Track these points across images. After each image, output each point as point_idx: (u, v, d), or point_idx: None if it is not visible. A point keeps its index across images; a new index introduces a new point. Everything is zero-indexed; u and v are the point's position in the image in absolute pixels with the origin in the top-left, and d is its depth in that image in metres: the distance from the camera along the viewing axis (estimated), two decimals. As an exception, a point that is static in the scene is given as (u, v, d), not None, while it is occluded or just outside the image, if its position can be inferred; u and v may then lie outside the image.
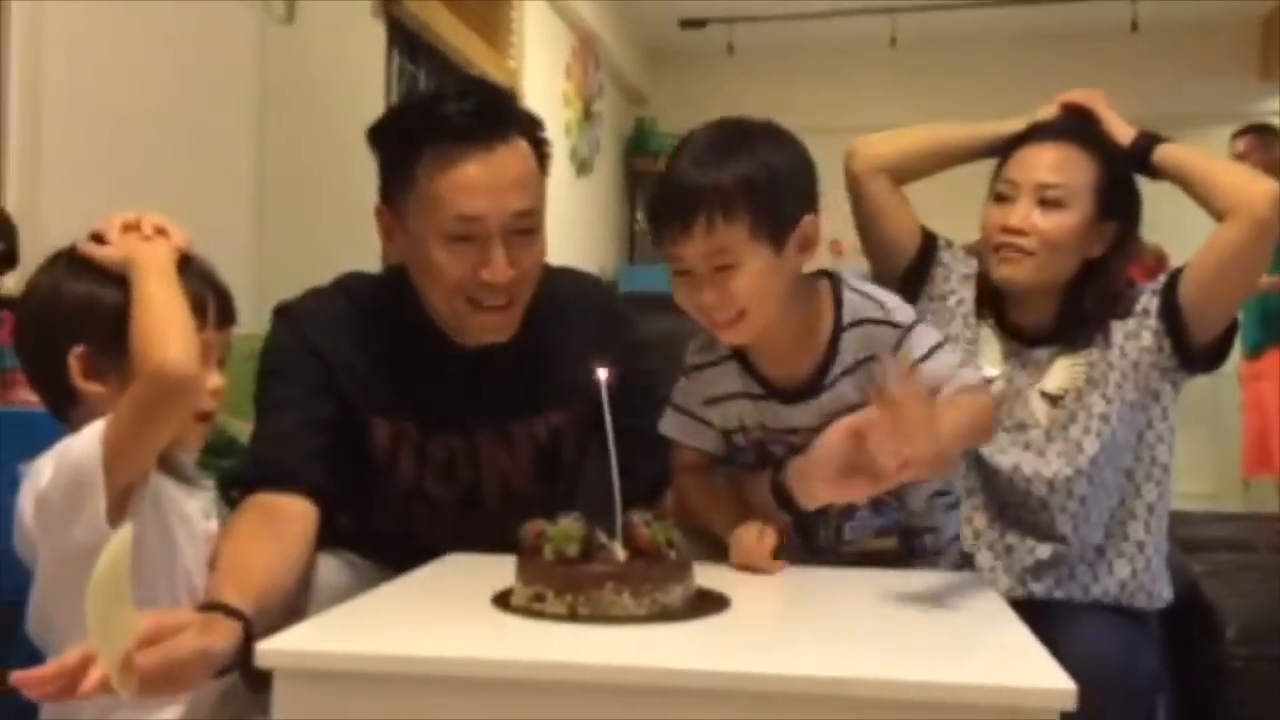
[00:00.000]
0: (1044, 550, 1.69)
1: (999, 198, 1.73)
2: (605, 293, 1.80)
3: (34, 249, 2.14)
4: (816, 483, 1.40)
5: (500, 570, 1.21)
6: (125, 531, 1.00)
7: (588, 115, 6.06)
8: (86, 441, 1.16)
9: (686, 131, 1.42)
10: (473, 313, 1.50)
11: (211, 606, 1.16)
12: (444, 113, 1.46)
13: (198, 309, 1.26)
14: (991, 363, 1.73)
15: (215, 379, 1.30)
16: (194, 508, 1.30)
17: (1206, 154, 1.73)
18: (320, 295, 1.62)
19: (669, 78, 7.06)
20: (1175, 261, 5.37)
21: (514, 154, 1.47)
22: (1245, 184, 1.67)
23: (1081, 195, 1.69)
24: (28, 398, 1.97)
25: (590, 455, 1.63)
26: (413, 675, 1.02)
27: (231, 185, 2.95)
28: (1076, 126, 1.75)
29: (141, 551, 1.19)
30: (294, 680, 1.02)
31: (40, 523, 1.18)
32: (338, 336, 1.56)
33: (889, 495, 1.46)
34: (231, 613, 1.16)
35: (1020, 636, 1.12)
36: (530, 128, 1.52)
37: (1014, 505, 1.71)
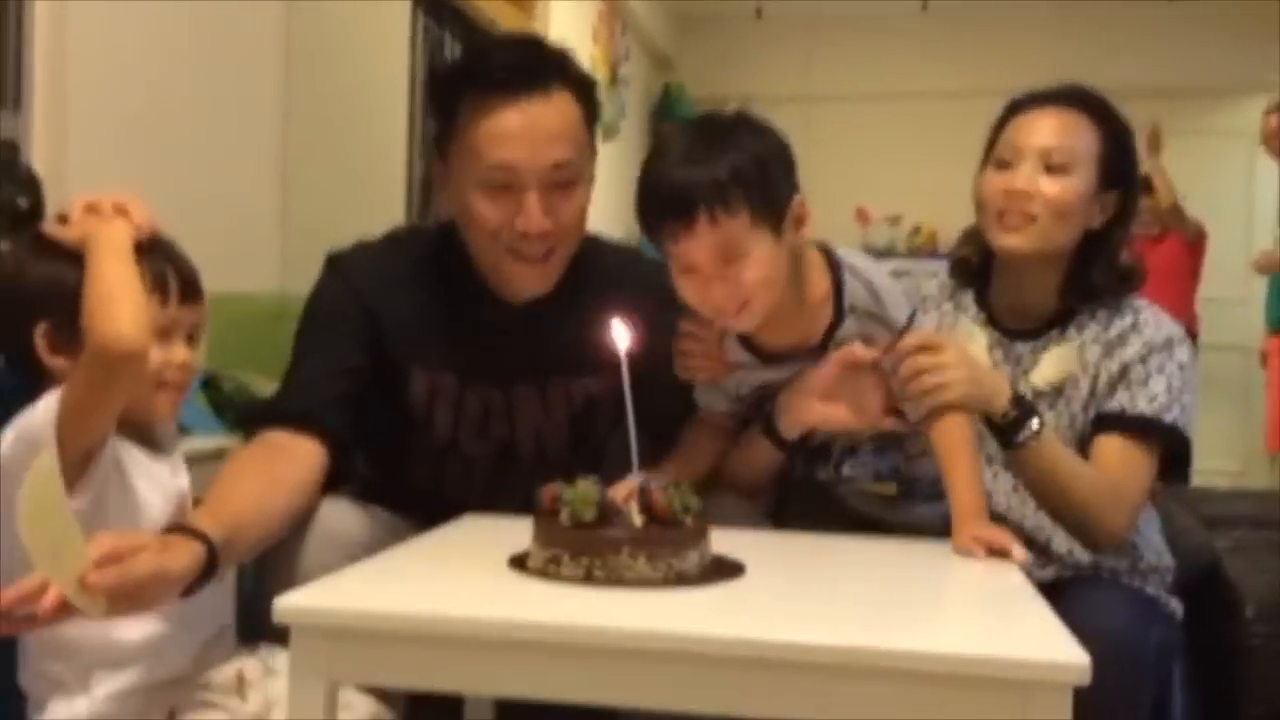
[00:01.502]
0: (1046, 574, 1.62)
1: (1000, 164, 1.68)
2: (659, 274, 1.78)
3: (60, 206, 2.16)
4: (801, 402, 1.51)
5: (518, 532, 1.22)
6: (43, 459, 1.03)
7: (614, 80, 6.03)
8: (41, 410, 1.20)
9: (668, 126, 1.48)
10: (512, 262, 1.52)
11: (175, 529, 1.21)
12: (488, 64, 1.51)
13: (159, 286, 1.30)
14: (978, 355, 1.66)
15: (181, 353, 1.33)
16: (162, 469, 1.33)
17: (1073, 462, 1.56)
18: (369, 246, 1.64)
19: (696, 43, 7.01)
20: (1214, 237, 5.29)
21: (554, 106, 1.49)
22: (1099, 517, 1.56)
23: (1085, 161, 1.64)
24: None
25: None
26: (428, 634, 1.03)
27: (256, 151, 2.95)
28: (1078, 92, 1.70)
29: (104, 514, 1.23)
30: (310, 636, 1.04)
31: (3, 490, 1.20)
32: (384, 286, 1.58)
33: (891, 439, 1.54)
34: (195, 534, 1.19)
35: (1036, 609, 1.12)
36: (577, 83, 1.53)
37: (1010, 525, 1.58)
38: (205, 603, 1.27)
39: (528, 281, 1.55)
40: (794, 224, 1.42)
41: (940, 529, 1.46)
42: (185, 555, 1.17)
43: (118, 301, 1.21)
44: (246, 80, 2.90)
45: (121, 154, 2.41)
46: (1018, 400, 1.50)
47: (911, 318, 1.49)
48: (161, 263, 1.32)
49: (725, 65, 6.76)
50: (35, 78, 2.23)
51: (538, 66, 1.50)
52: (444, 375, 1.59)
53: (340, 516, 1.44)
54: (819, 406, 1.52)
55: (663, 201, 1.38)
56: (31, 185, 2.11)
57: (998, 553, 1.32)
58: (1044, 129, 1.66)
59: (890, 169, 6.66)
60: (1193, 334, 5.24)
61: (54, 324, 1.27)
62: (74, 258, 1.27)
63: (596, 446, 1.67)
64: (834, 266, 1.49)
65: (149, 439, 1.33)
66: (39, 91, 2.23)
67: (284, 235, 2.90)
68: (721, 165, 1.36)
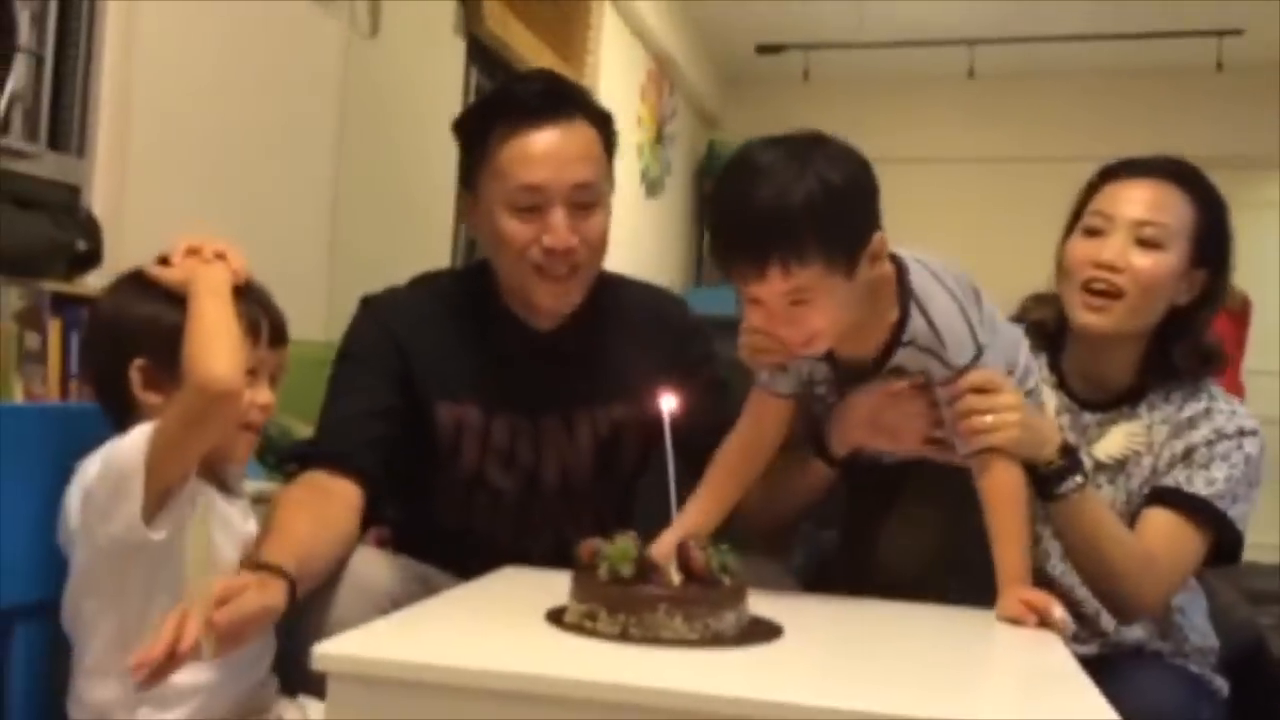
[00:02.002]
0: (1090, 648, 1.60)
1: (1089, 231, 1.63)
2: (681, 308, 1.83)
3: (118, 252, 2.21)
4: (847, 426, 1.53)
5: (556, 585, 1.22)
6: (203, 510, 1.16)
7: (660, 137, 6.09)
8: (132, 442, 1.23)
9: (748, 146, 1.37)
10: (538, 281, 1.59)
11: (260, 566, 1.27)
12: (514, 93, 1.63)
13: (252, 330, 1.34)
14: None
15: (265, 395, 1.38)
16: (234, 512, 1.36)
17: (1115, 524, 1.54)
18: (399, 289, 1.72)
19: (743, 102, 7.07)
20: (1257, 304, 5.21)
21: (576, 132, 1.59)
22: (1132, 587, 1.53)
23: (1178, 238, 1.58)
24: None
25: (651, 470, 1.66)
26: (463, 686, 1.03)
27: (310, 195, 3.00)
28: (1175, 165, 1.65)
29: (181, 550, 1.26)
30: (348, 684, 1.04)
31: (83, 516, 1.26)
32: (413, 324, 1.64)
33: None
34: (279, 572, 1.26)
35: (1080, 685, 1.10)
36: (596, 114, 1.64)
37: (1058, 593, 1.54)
38: (252, 650, 1.29)
39: (553, 299, 1.61)
40: (870, 260, 1.35)
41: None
42: (279, 593, 1.25)
43: (218, 341, 1.25)
44: (301, 133, 2.97)
45: (178, 201, 2.46)
46: (1066, 451, 1.47)
47: (974, 359, 1.42)
48: (255, 307, 1.36)
49: (772, 125, 6.73)
50: (100, 125, 2.29)
51: (560, 97, 1.60)
52: (470, 408, 1.62)
53: (371, 566, 1.46)
54: (863, 427, 1.52)
55: (735, 238, 1.33)
56: (91, 229, 2.16)
57: (1043, 619, 1.30)
58: (1138, 200, 1.61)
59: (935, 231, 6.57)
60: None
61: (149, 360, 1.31)
62: (172, 298, 1.32)
63: (622, 479, 1.69)
64: (904, 294, 1.42)
65: (222, 481, 1.36)
66: (102, 139, 2.29)
67: (331, 285, 2.95)
68: (798, 207, 1.27)
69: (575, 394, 1.66)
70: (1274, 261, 6.02)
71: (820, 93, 6.50)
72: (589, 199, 1.59)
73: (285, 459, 1.55)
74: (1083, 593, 1.61)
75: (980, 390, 1.40)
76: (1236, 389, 5.10)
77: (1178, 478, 1.58)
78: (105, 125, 2.30)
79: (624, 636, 1.12)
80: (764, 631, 1.19)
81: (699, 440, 1.47)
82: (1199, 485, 1.56)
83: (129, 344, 1.32)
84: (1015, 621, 1.32)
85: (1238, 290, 5.16)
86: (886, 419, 1.50)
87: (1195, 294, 1.63)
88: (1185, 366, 1.63)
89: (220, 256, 1.36)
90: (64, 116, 2.23)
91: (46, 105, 2.20)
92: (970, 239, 6.52)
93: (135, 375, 1.31)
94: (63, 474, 1.31)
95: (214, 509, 1.32)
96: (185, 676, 1.25)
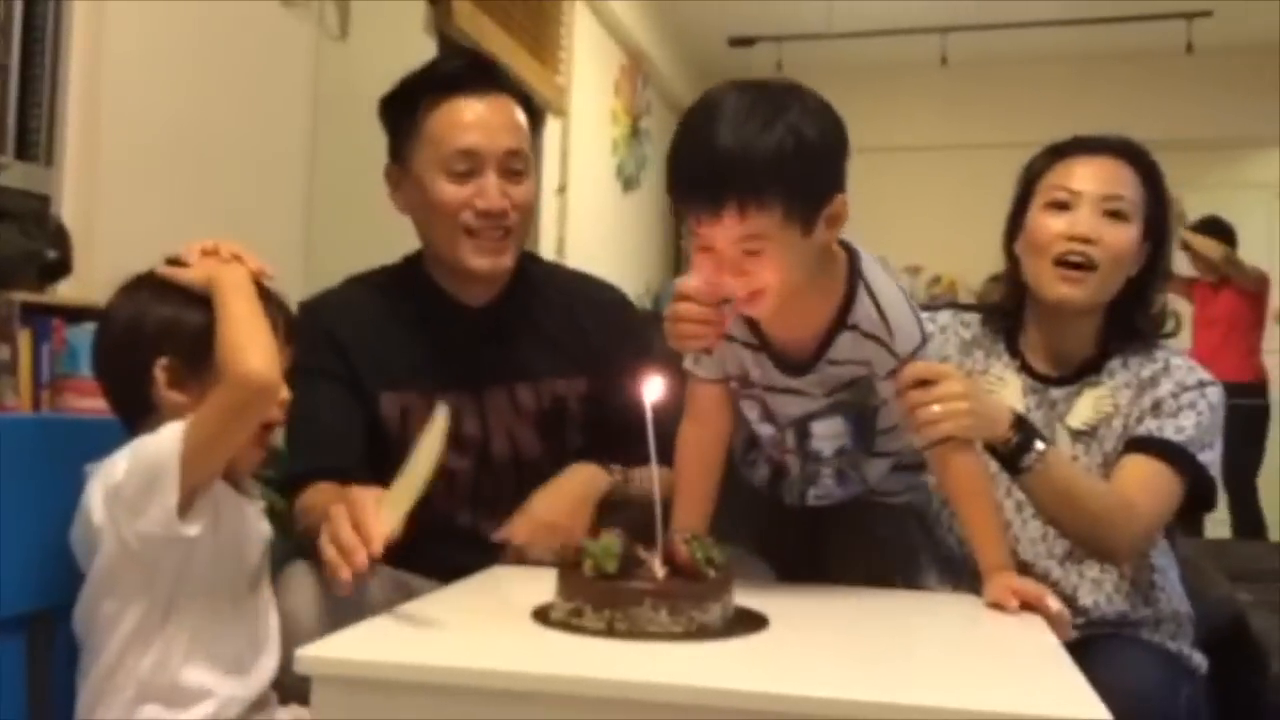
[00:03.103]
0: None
1: (1054, 205, 1.66)
2: (612, 290, 1.89)
3: (88, 261, 2.19)
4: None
5: (542, 583, 1.22)
6: (439, 420, 1.26)
7: (635, 132, 6.09)
8: (166, 439, 1.25)
9: (718, 87, 1.33)
10: (470, 244, 1.65)
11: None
12: (440, 69, 1.73)
13: (272, 328, 1.35)
14: (1012, 400, 1.65)
15: (284, 391, 1.39)
16: (252, 512, 1.39)
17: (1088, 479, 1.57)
18: (332, 289, 1.77)
19: (717, 95, 7.06)
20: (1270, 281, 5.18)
21: (503, 104, 1.68)
22: (1111, 532, 1.55)
23: (1135, 212, 1.65)
24: (77, 404, 2.02)
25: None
26: (451, 686, 1.02)
27: (282, 195, 2.99)
28: (1126, 145, 1.70)
29: (199, 550, 1.28)
30: (334, 687, 1.04)
31: (109, 514, 1.26)
32: (349, 320, 1.69)
33: (850, 468, 1.51)
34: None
35: (1058, 663, 1.11)
36: (517, 92, 1.72)
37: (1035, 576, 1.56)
38: (265, 662, 1.33)
39: (486, 261, 1.66)
40: (828, 222, 1.31)
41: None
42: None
43: (254, 339, 1.28)
44: (273, 137, 2.95)
45: (149, 209, 2.45)
46: (1019, 424, 1.46)
47: (918, 349, 1.42)
48: (272, 306, 1.38)
49: (745, 118, 6.79)
50: (68, 133, 2.27)
51: (483, 72, 1.70)
52: (412, 394, 1.65)
53: (295, 596, 1.44)
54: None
55: (693, 179, 1.28)
56: (61, 238, 2.14)
57: (1030, 606, 1.31)
58: (1099, 176, 1.65)
59: (910, 220, 6.68)
60: (1261, 384, 5.15)
61: (174, 360, 1.33)
62: (189, 298, 1.34)
63: (567, 455, 1.70)
64: (852, 276, 1.41)
65: (236, 484, 1.38)
66: (71, 147, 2.28)
67: (306, 287, 2.91)
68: (764, 151, 1.24)
69: (516, 368, 1.70)
70: (1257, 241, 6.06)
71: (794, 84, 6.51)
72: (519, 166, 1.67)
73: (284, 485, 1.59)
74: (1059, 573, 1.64)
75: (924, 382, 1.38)
76: (1258, 366, 5.10)
77: (1149, 427, 1.61)
78: (74, 133, 2.28)
79: (610, 632, 1.12)
80: (750, 623, 1.19)
81: (631, 417, 1.46)
82: (1169, 433, 1.60)
83: (152, 344, 1.33)
84: (1002, 608, 1.32)
85: (1252, 267, 5.16)
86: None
87: (1141, 266, 1.68)
88: (1147, 329, 1.69)
89: (236, 258, 1.38)
90: (32, 125, 2.22)
91: (14, 114, 2.18)
92: (944, 225, 6.58)
93: (160, 375, 1.32)
94: (59, 485, 1.31)
95: (234, 512, 1.34)
96: (191, 678, 1.28)
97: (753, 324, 1.44)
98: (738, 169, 1.24)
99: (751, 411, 1.51)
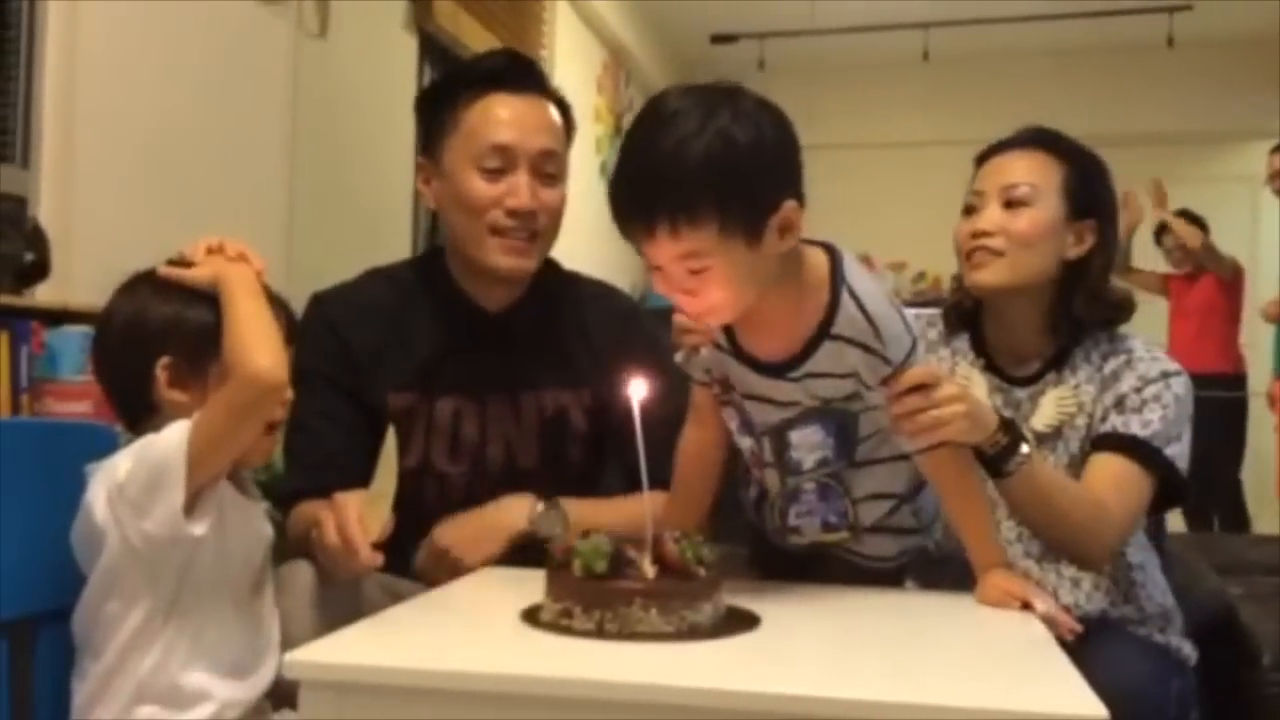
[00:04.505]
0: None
1: (967, 210, 1.71)
2: (630, 302, 1.87)
3: (66, 263, 2.17)
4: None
5: (531, 585, 1.21)
6: (390, 437, 1.34)
7: (618, 130, 6.07)
8: (172, 438, 1.24)
9: (662, 93, 1.28)
10: (496, 242, 1.62)
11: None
12: (480, 64, 1.73)
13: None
14: (980, 398, 1.60)
15: (289, 391, 1.38)
16: (255, 513, 1.38)
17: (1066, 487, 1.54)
18: (349, 282, 1.74)
19: (699, 92, 7.06)
20: (1250, 274, 5.18)
21: (540, 104, 1.67)
22: (1087, 535, 1.54)
23: (1047, 193, 1.65)
24: (57, 408, 2.00)
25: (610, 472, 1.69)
26: (440, 689, 1.01)
27: (263, 196, 2.97)
28: (1036, 132, 1.72)
29: (204, 550, 1.27)
30: (321, 691, 1.02)
31: (113, 514, 1.25)
32: (360, 317, 1.66)
33: (833, 480, 1.46)
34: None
35: (1052, 659, 1.10)
36: (555, 97, 1.70)
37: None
38: (265, 667, 1.32)
39: (510, 261, 1.63)
40: (778, 231, 1.23)
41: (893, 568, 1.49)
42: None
43: (262, 337, 1.28)
44: (252, 136, 2.93)
45: (127, 210, 2.43)
46: (1006, 426, 1.45)
47: (910, 354, 1.36)
48: (274, 306, 1.37)
49: (728, 115, 6.79)
50: (44, 135, 2.25)
51: (523, 70, 1.69)
52: (414, 394, 1.64)
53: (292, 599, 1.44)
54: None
55: (625, 195, 1.22)
56: (38, 240, 2.12)
57: (1024, 606, 1.30)
58: (1001, 170, 1.69)
59: (893, 216, 6.69)
60: (1240, 374, 5.14)
61: (176, 359, 1.32)
62: (191, 297, 1.33)
63: (570, 471, 1.68)
64: (835, 282, 1.33)
65: (238, 483, 1.37)
66: (47, 148, 2.25)
67: (288, 287, 2.90)
68: (690, 162, 1.17)
69: (522, 376, 1.68)
70: (1239, 234, 6.09)
71: (776, 81, 6.44)
72: (552, 169, 1.65)
73: (279, 500, 1.59)
74: (1038, 572, 1.63)
75: (921, 387, 1.34)
76: (1235, 358, 5.11)
77: (1114, 423, 1.61)
78: (50, 134, 2.26)
79: (600, 632, 1.11)
80: (741, 622, 1.18)
81: (647, 432, 1.45)
82: (1135, 428, 1.59)
83: (153, 343, 1.32)
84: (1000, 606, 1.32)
85: (1228, 257, 5.16)
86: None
87: (1089, 245, 1.67)
88: (1089, 314, 1.67)
89: (242, 257, 1.37)
90: (7, 126, 2.20)
91: (-11, 116, 2.17)
92: (928, 221, 6.54)
93: (161, 374, 1.31)
94: (37, 492, 1.30)
95: (238, 513, 1.33)
96: (189, 679, 1.27)
97: (728, 331, 1.39)
98: (665, 184, 1.18)
99: (732, 421, 1.48)
